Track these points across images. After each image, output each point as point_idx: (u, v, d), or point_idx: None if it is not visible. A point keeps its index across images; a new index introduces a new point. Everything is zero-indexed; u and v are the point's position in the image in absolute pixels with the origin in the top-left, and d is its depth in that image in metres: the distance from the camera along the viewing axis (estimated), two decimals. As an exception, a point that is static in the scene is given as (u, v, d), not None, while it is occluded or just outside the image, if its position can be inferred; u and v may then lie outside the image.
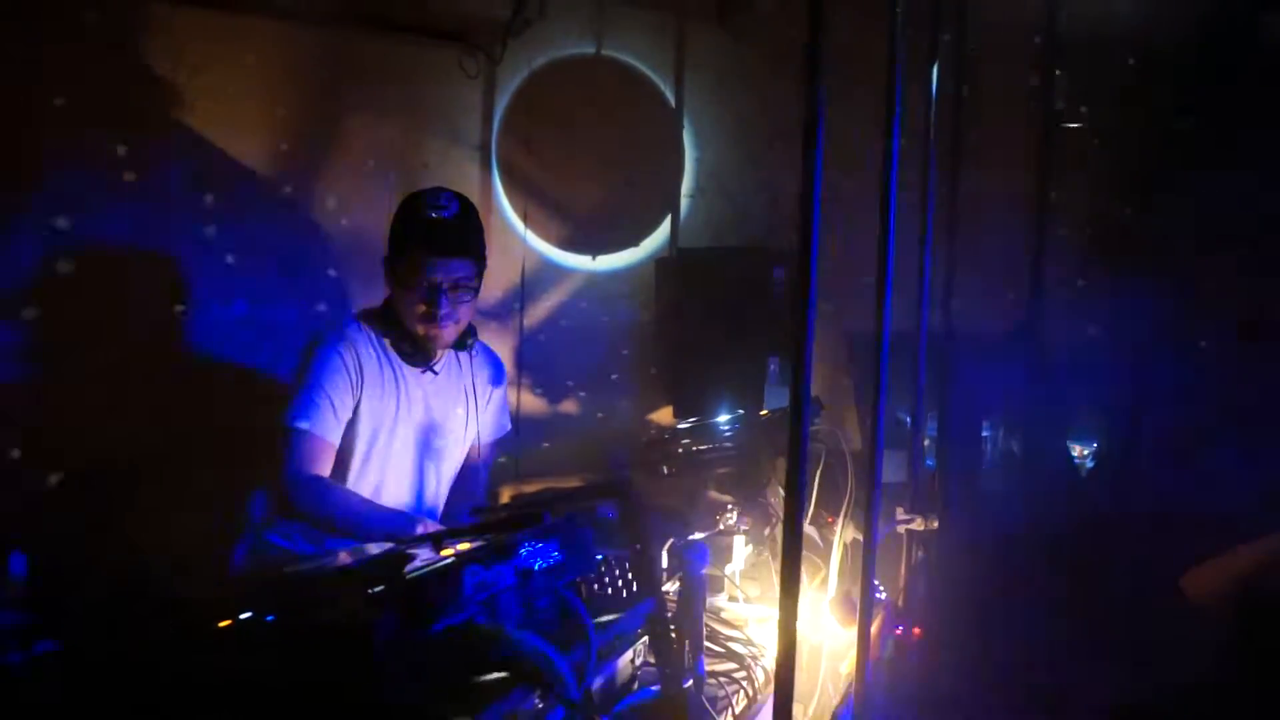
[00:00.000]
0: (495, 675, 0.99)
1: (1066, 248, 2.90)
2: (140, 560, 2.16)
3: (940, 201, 2.46)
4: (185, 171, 2.41)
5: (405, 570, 0.99)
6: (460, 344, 2.12)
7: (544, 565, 1.11)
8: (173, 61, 2.37)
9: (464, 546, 1.14)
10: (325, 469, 1.98)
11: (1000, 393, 2.91)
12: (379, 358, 2.07)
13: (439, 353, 2.12)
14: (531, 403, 3.03)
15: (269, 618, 0.88)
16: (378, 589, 0.95)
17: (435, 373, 2.13)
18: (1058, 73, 2.81)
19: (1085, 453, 3.12)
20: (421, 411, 2.12)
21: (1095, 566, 2.36)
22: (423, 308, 2.01)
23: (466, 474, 2.26)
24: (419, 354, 2.08)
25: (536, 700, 1.04)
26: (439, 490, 2.19)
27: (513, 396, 2.99)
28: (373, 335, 2.07)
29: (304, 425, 1.95)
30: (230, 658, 0.92)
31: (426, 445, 2.13)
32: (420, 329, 2.04)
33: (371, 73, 2.68)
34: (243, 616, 0.95)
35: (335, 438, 2.00)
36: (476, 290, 2.08)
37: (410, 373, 2.10)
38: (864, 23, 1.96)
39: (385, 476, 2.08)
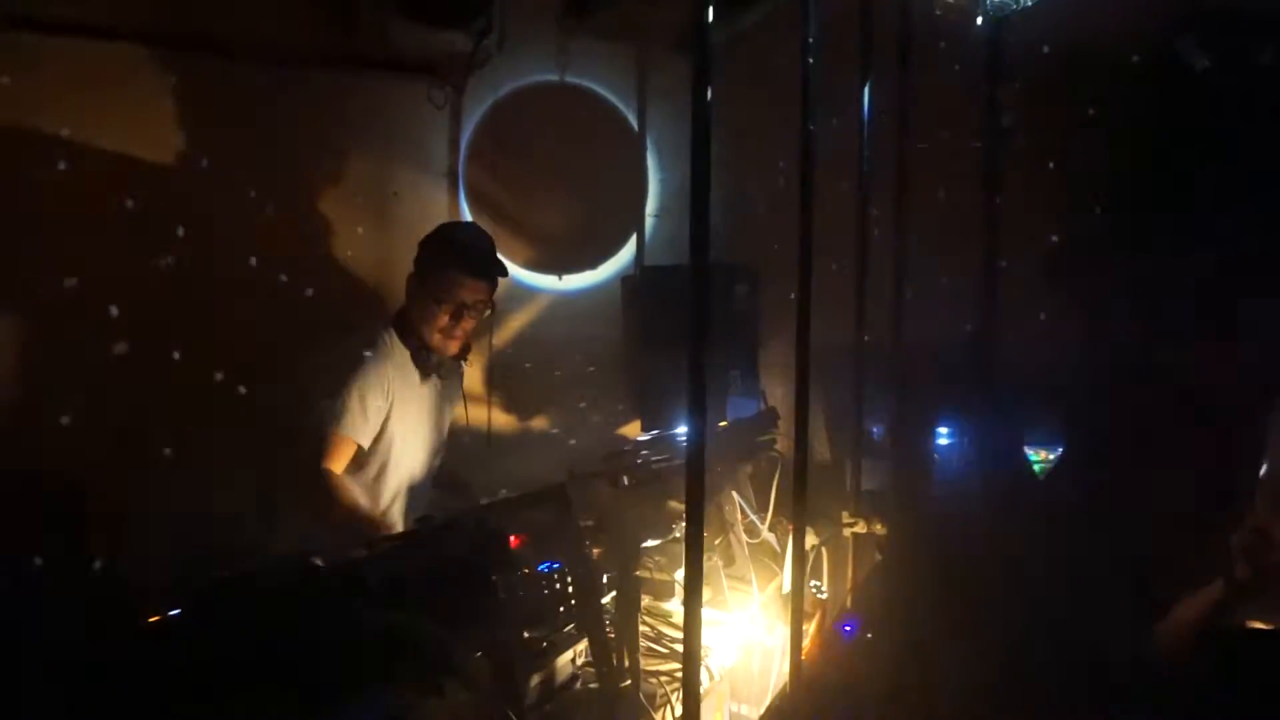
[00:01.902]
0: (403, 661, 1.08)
1: (1017, 260, 2.98)
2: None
3: (890, 215, 2.56)
4: (155, 199, 2.52)
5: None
6: (461, 355, 2.38)
7: (451, 558, 1.20)
8: (141, 98, 2.48)
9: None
10: (343, 465, 2.19)
11: (954, 401, 2.98)
12: (404, 366, 2.29)
13: (444, 362, 2.35)
14: (502, 420, 3.12)
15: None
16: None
17: (442, 378, 2.38)
18: (1004, 88, 2.90)
19: (1048, 457, 3.19)
20: (429, 417, 2.37)
21: (1041, 567, 2.43)
22: (446, 321, 2.26)
23: None
24: (431, 364, 2.32)
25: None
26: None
27: (483, 414, 3.09)
28: (399, 345, 2.29)
29: (341, 430, 2.15)
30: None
31: (431, 448, 2.40)
32: (436, 339, 2.28)
33: (341, 108, 2.80)
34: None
35: (365, 439, 2.20)
36: (491, 309, 2.36)
37: (420, 380, 2.33)
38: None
39: (403, 478, 2.32)
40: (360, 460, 2.24)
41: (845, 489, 2.86)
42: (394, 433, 2.27)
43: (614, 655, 1.67)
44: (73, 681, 1.00)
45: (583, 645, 1.77)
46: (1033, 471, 3.08)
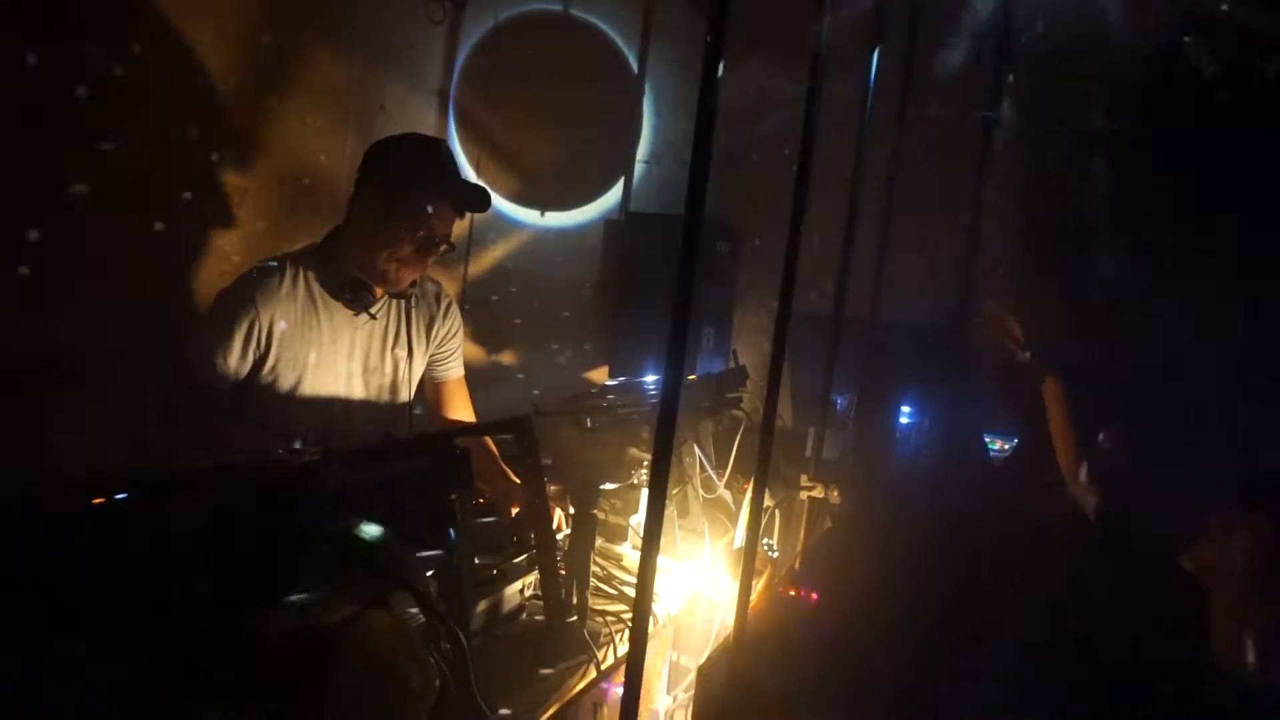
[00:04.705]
0: (352, 570, 1.06)
1: (998, 246, 2.99)
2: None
3: (880, 196, 2.54)
4: (128, 98, 2.40)
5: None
6: (405, 291, 2.06)
7: (410, 472, 1.18)
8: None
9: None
10: (209, 413, 1.91)
11: (924, 380, 3.01)
12: (305, 299, 1.97)
13: (381, 297, 2.04)
14: (470, 351, 3.09)
15: (120, 495, 0.94)
16: (239, 478, 1.01)
17: (373, 317, 2.05)
18: (1005, 77, 2.89)
19: (1005, 446, 3.24)
20: (348, 356, 2.03)
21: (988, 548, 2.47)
22: (410, 252, 1.95)
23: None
24: (359, 298, 2.00)
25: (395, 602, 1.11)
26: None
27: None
28: (301, 276, 1.97)
29: (197, 374, 1.88)
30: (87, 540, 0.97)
31: (353, 390, 2.05)
32: (393, 269, 1.97)
33: (333, 9, 2.70)
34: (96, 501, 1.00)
35: (225, 384, 1.91)
36: (452, 248, 2.05)
37: (342, 315, 2.01)
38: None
39: (307, 422, 1.94)
40: (256, 401, 1.94)
41: (804, 455, 2.89)
42: (284, 373, 1.94)
43: (563, 590, 1.67)
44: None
45: (532, 578, 1.77)
46: (987, 457, 3.13)
